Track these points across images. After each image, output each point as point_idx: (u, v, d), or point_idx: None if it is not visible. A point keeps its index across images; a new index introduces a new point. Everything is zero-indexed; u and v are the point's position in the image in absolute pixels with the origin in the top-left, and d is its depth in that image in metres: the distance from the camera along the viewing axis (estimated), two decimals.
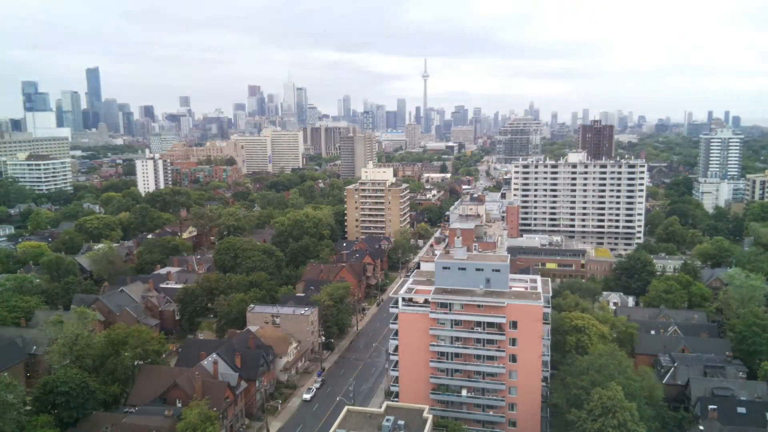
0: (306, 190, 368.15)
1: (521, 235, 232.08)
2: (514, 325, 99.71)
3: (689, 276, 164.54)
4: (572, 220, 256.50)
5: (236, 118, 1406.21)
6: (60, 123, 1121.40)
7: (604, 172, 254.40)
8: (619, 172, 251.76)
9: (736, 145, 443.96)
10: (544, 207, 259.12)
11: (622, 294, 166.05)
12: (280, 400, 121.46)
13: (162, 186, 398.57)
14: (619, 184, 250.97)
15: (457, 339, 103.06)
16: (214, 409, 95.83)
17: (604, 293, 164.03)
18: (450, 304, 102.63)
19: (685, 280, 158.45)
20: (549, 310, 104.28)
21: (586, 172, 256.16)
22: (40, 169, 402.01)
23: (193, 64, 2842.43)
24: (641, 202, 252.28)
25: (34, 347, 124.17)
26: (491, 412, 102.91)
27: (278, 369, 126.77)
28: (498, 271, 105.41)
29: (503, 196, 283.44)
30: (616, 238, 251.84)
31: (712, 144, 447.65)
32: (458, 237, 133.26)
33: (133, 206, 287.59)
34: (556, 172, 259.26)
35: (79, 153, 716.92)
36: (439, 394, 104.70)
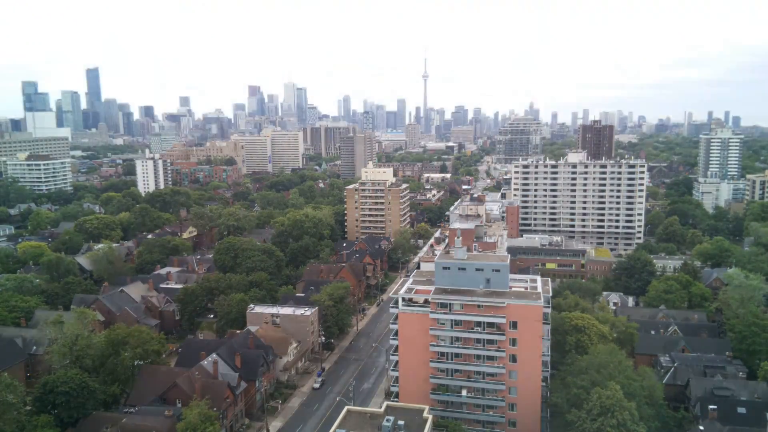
0: (306, 190, 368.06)
1: (521, 235, 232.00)
2: (514, 325, 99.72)
3: (689, 276, 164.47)
4: (572, 220, 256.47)
5: (236, 118, 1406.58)
6: (60, 123, 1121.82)
7: (604, 172, 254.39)
8: (619, 172, 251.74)
9: (736, 145, 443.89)
10: (544, 207, 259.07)
11: (622, 294, 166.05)
12: (280, 400, 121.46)
13: (162, 186, 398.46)
14: (619, 184, 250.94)
15: (457, 339, 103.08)
16: (214, 409, 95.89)
17: (604, 293, 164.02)
18: (450, 304, 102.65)
19: (685, 280, 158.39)
20: (549, 310, 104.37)
21: (586, 172, 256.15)
22: (40, 169, 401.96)
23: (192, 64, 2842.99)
24: (641, 202, 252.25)
25: (34, 347, 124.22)
26: (491, 412, 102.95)
27: (278, 369, 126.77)
28: (498, 271, 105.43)
29: (503, 196, 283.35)
30: (616, 238, 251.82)
31: (712, 144, 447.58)
32: (458, 237, 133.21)
33: (133, 206, 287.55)
34: (556, 172, 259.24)
35: (79, 153, 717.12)
36: (439, 394, 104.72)
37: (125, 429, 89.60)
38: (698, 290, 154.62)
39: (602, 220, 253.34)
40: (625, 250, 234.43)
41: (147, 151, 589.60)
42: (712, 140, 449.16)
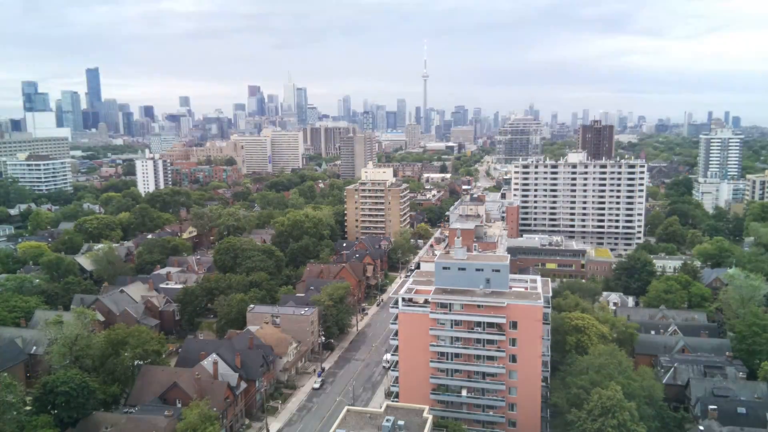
0: (306, 191, 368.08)
1: (521, 235, 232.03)
2: (514, 325, 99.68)
3: (689, 276, 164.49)
4: (572, 220, 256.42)
5: (236, 118, 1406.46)
6: (60, 123, 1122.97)
7: (604, 172, 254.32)
8: (619, 172, 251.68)
9: (736, 146, 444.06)
10: (544, 207, 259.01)
11: (622, 294, 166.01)
12: (280, 400, 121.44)
13: (162, 186, 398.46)
14: (619, 184, 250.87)
15: (457, 339, 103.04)
16: (214, 409, 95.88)
17: (604, 293, 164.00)
18: (450, 304, 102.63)
19: (685, 281, 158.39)
20: (549, 311, 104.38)
21: (586, 172, 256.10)
22: (40, 170, 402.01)
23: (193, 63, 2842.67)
24: (641, 202, 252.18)
25: (34, 347, 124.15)
26: (491, 413, 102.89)
27: (278, 369, 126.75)
28: (498, 271, 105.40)
29: (503, 196, 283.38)
30: (616, 238, 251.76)
31: (712, 144, 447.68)
32: (458, 237, 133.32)
33: (133, 206, 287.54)
34: (556, 172, 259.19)
35: (79, 153, 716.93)
36: (439, 394, 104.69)
37: (125, 429, 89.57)
38: (698, 290, 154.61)
39: (602, 220, 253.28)
40: (625, 250, 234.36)
41: (147, 151, 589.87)
42: (712, 140, 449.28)
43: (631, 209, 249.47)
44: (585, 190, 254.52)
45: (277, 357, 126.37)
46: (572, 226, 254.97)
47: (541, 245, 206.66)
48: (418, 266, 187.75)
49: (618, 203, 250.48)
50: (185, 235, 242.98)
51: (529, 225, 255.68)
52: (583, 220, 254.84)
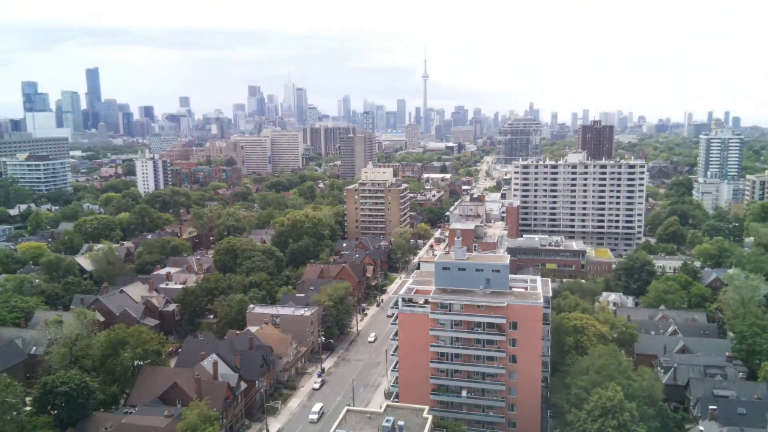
0: (306, 191, 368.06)
1: (521, 235, 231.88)
2: (514, 325, 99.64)
3: (689, 276, 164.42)
4: (572, 220, 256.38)
5: (236, 119, 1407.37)
6: (60, 123, 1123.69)
7: (604, 173, 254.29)
8: (619, 173, 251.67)
9: (735, 146, 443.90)
10: (544, 207, 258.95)
11: (622, 294, 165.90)
12: (280, 400, 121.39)
13: (162, 186, 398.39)
14: (619, 185, 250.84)
15: (457, 339, 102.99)
16: (214, 409, 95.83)
17: (604, 294, 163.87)
18: (450, 304, 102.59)
19: (685, 281, 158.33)
20: (549, 311, 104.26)
21: (586, 173, 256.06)
22: (39, 170, 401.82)
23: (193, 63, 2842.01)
24: (641, 203, 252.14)
25: (34, 348, 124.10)
26: (491, 413, 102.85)
27: (278, 369, 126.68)
28: (498, 271, 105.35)
29: (503, 196, 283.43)
30: (616, 239, 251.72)
31: (712, 144, 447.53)
32: (458, 237, 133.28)
33: (133, 206, 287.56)
34: (556, 173, 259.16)
35: (78, 153, 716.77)
36: (439, 394, 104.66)
37: (125, 429, 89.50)
38: (698, 290, 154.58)
39: (602, 221, 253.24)
40: (625, 250, 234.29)
41: (147, 151, 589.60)
42: (712, 140, 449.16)
43: (631, 209, 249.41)
44: (585, 191, 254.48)
45: (277, 357, 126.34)
46: (572, 226, 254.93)
47: (541, 245, 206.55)
48: (418, 266, 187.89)
49: (618, 203, 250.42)
50: (185, 236, 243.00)
51: (529, 225, 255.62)
52: (583, 221, 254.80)
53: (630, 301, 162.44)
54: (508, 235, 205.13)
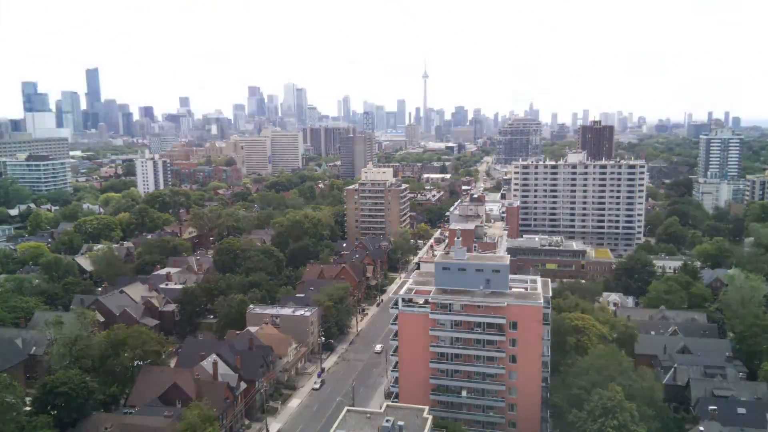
0: (306, 191, 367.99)
1: (521, 236, 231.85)
2: (514, 325, 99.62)
3: (689, 276, 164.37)
4: (572, 220, 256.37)
5: (236, 119, 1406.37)
6: (59, 123, 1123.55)
7: (604, 173, 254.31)
8: (619, 173, 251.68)
9: (735, 146, 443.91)
10: (544, 207, 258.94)
11: (622, 294, 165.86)
12: (280, 400, 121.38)
13: (162, 186, 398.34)
14: (619, 185, 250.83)
15: (457, 339, 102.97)
16: (214, 409, 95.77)
17: (604, 294, 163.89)
18: (450, 304, 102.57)
19: (685, 281, 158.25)
20: (549, 311, 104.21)
21: (586, 173, 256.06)
22: (39, 170, 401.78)
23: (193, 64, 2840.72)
24: (641, 203, 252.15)
25: (34, 348, 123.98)
26: (491, 413, 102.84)
27: (278, 370, 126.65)
28: (498, 271, 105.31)
29: (503, 196, 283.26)
30: (616, 239, 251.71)
31: (712, 144, 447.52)
32: (458, 237, 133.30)
33: (133, 207, 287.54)
34: (555, 173, 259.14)
35: (78, 153, 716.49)
36: (439, 394, 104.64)
37: (125, 429, 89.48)
38: (698, 291, 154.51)
39: (602, 221, 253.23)
40: (625, 250, 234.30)
41: (147, 151, 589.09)
42: (712, 141, 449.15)
43: (631, 210, 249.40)
44: (585, 191, 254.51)
45: (277, 357, 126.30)
46: (572, 226, 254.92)
47: (541, 245, 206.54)
48: (418, 266, 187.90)
49: (618, 204, 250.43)
50: (185, 236, 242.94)
51: (529, 225, 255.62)
52: (583, 221, 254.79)
53: (630, 301, 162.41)
54: (508, 235, 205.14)
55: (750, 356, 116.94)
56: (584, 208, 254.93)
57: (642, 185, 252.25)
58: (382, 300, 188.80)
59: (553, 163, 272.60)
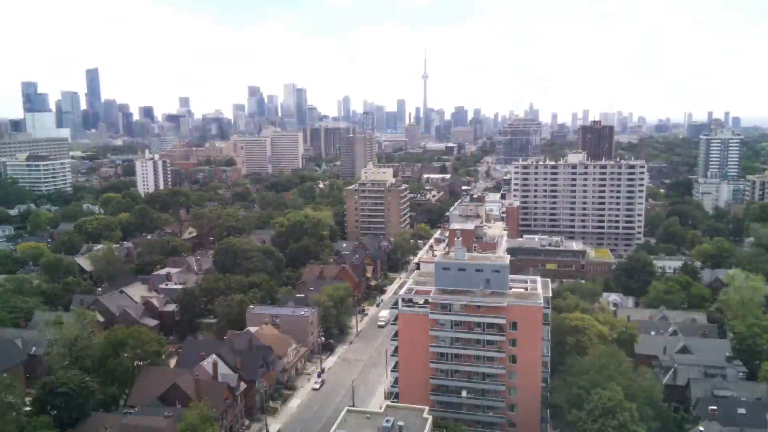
0: (306, 191, 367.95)
1: (521, 236, 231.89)
2: (514, 326, 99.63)
3: (689, 277, 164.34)
4: (572, 220, 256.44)
5: (236, 119, 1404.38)
6: (59, 124, 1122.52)
7: (604, 173, 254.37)
8: (619, 173, 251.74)
9: (735, 146, 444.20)
10: (544, 207, 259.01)
11: (622, 295, 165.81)
12: (280, 401, 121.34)
13: (162, 187, 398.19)
14: (618, 185, 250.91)
15: (457, 340, 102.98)
16: (214, 410, 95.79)
17: (604, 294, 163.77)
18: (450, 304, 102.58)
19: (685, 281, 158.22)
20: (549, 311, 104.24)
21: (586, 173, 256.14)
22: (39, 170, 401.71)
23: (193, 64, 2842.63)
24: (641, 203, 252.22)
25: (34, 348, 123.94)
26: (491, 413, 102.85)
27: (278, 370, 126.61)
28: (498, 271, 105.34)
29: (503, 196, 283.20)
30: (616, 239, 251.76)
31: (712, 144, 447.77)
32: (458, 237, 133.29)
33: (133, 207, 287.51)
34: (555, 173, 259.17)
35: (78, 154, 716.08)
36: (439, 394, 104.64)
37: (125, 430, 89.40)
38: (698, 291, 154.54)
39: (602, 221, 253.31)
40: (625, 250, 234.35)
41: (147, 151, 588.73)
42: (712, 141, 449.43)
43: (631, 210, 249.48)
44: (585, 191, 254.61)
45: (277, 357, 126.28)
46: (572, 226, 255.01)
47: (541, 246, 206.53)
48: (418, 267, 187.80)
49: (618, 204, 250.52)
50: (185, 236, 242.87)
51: (529, 225, 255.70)
52: (583, 221, 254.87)
53: (630, 301, 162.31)
54: (508, 235, 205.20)
55: (750, 356, 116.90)
56: (584, 208, 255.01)
57: (642, 185, 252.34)
58: (381, 300, 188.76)
59: (553, 163, 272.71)
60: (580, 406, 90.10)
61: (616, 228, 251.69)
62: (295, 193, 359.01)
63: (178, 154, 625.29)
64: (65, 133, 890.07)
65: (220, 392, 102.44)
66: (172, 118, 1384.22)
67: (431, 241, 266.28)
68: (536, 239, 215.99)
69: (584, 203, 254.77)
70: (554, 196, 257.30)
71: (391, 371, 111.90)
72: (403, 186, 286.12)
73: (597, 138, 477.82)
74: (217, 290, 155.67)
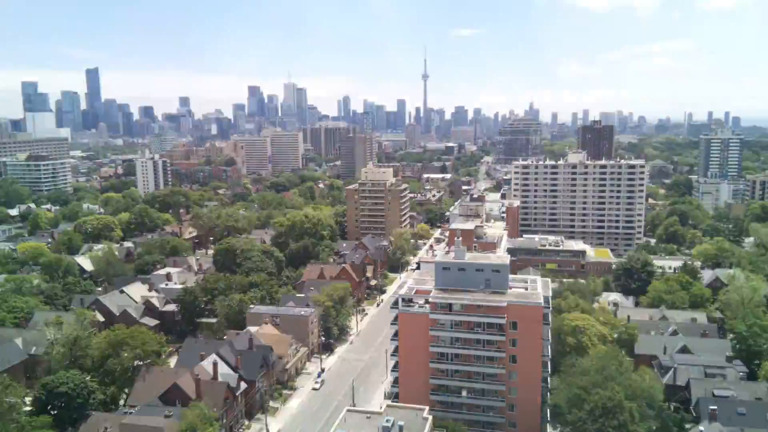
0: (306, 191, 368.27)
1: (521, 235, 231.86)
2: (514, 325, 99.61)
3: (689, 276, 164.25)
4: (572, 220, 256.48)
5: (236, 119, 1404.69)
6: (60, 123, 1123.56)
7: (604, 173, 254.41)
8: (619, 173, 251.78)
9: (735, 146, 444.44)
10: (544, 207, 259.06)
11: (622, 294, 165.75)
12: (280, 400, 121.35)
13: (162, 186, 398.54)
14: (619, 185, 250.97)
15: (457, 339, 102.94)
16: (214, 409, 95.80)
17: (604, 294, 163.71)
18: (450, 304, 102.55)
19: (685, 281, 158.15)
20: (549, 311, 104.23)
21: (586, 173, 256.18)
22: (39, 170, 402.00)
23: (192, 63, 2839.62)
24: (641, 203, 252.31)
25: (34, 348, 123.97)
26: (491, 413, 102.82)
27: (278, 370, 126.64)
28: (498, 271, 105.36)
29: (503, 196, 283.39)
30: (616, 239, 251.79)
31: (712, 144, 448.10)
32: (458, 237, 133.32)
33: (133, 207, 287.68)
34: (555, 173, 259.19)
35: (78, 153, 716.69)
36: (439, 394, 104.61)
37: (125, 429, 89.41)
38: (698, 291, 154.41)
39: (602, 221, 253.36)
40: (625, 250, 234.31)
41: (147, 151, 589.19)
42: (712, 140, 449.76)
43: (631, 209, 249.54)
44: (585, 191, 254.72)
45: (277, 357, 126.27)
46: (572, 226, 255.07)
47: (541, 245, 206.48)
48: (418, 266, 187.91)
49: (618, 203, 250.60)
50: (185, 236, 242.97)
51: (529, 225, 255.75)
52: (583, 221, 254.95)
53: (630, 301, 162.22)
54: (508, 235, 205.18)
55: (750, 356, 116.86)
56: (584, 208, 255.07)
57: (642, 185, 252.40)
58: (381, 300, 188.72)
59: (553, 163, 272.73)
60: (580, 406, 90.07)
61: (616, 228, 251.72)
62: (295, 193, 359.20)
63: (178, 154, 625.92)
64: (65, 133, 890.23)
65: (220, 392, 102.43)
66: (172, 118, 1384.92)
67: (431, 241, 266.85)
68: (536, 239, 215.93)
69: (584, 203, 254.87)
70: (554, 196, 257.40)
71: (391, 371, 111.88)
72: (403, 186, 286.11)
73: (597, 138, 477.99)
74: (217, 290, 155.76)
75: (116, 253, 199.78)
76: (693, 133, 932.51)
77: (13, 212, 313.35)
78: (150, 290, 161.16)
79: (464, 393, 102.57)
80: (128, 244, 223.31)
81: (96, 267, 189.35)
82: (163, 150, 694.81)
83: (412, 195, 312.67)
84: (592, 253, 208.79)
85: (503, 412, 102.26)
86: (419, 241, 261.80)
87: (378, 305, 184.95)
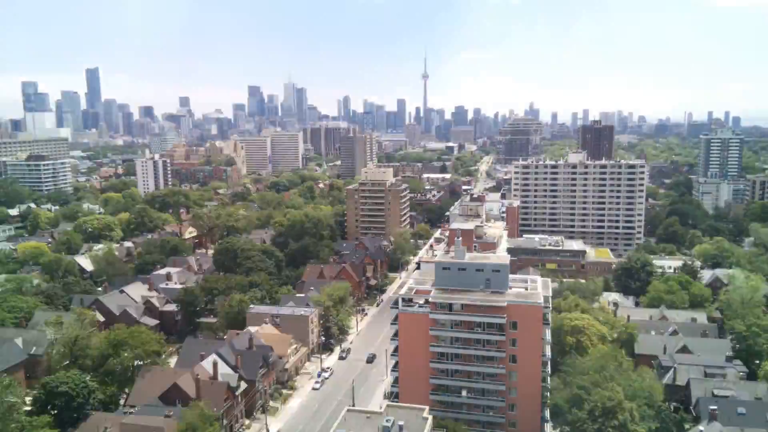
0: (306, 191, 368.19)
1: (521, 235, 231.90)
2: (514, 325, 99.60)
3: (689, 276, 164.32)
4: (572, 220, 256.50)
5: (236, 119, 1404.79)
6: (60, 123, 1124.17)
7: (604, 173, 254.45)
8: (619, 173, 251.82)
9: (736, 146, 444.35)
10: (544, 207, 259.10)
11: (622, 294, 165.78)
12: (280, 400, 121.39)
13: (162, 186, 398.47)
14: (619, 185, 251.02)
15: (457, 339, 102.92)
16: (214, 409, 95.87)
17: (604, 294, 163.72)
18: (450, 304, 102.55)
19: (685, 281, 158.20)
20: (549, 311, 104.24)
21: (586, 173, 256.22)
22: (39, 170, 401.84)
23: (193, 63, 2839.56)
24: (641, 203, 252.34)
25: (34, 348, 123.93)
26: (491, 413, 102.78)
27: (278, 369, 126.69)
28: (498, 271, 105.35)
29: (503, 196, 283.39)
30: (616, 239, 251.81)
31: (712, 144, 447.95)
32: (458, 237, 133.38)
33: (133, 207, 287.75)
34: (555, 173, 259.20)
35: (79, 153, 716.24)
36: (439, 394, 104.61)
37: (125, 429, 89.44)
38: (698, 290, 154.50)
39: (602, 221, 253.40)
40: (625, 250, 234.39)
41: (147, 151, 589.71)
42: (713, 140, 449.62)
43: (631, 209, 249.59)
44: (585, 191, 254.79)
45: (277, 357, 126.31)
46: (572, 226, 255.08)
47: (541, 245, 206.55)
48: (418, 266, 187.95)
49: (618, 203, 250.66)
50: (185, 236, 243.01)
51: (529, 225, 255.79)
52: (583, 221, 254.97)
53: (630, 301, 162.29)
54: (508, 235, 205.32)
55: (750, 356, 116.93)
56: (584, 208, 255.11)
57: (642, 185, 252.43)
58: (381, 300, 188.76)
59: (553, 163, 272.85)
60: (580, 406, 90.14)
61: (616, 228, 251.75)
62: (295, 192, 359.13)
63: (178, 153, 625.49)
64: (65, 133, 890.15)
65: (220, 392, 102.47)
66: (172, 118, 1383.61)
67: (431, 241, 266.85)
68: (536, 239, 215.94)
69: (584, 203, 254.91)
70: (554, 196, 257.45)
71: (391, 371, 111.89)
72: (403, 186, 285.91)
73: (597, 138, 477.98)
74: (217, 290, 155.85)
75: (116, 253, 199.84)
76: (693, 133, 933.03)
77: (13, 212, 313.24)
78: (150, 290, 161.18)
79: (464, 393, 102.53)
80: (128, 244, 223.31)
81: (96, 267, 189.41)
82: (163, 150, 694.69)
83: (412, 195, 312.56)
84: (592, 253, 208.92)
85: (503, 412, 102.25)
86: (419, 241, 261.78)
87: (378, 305, 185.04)
